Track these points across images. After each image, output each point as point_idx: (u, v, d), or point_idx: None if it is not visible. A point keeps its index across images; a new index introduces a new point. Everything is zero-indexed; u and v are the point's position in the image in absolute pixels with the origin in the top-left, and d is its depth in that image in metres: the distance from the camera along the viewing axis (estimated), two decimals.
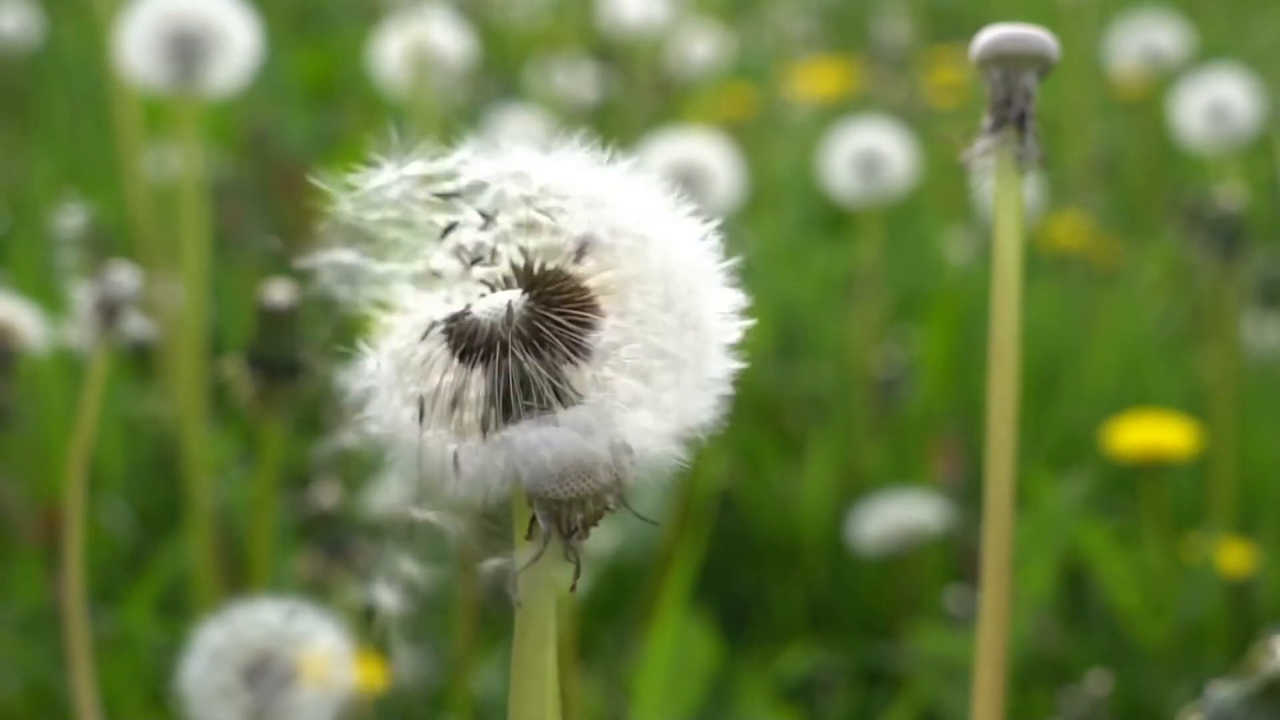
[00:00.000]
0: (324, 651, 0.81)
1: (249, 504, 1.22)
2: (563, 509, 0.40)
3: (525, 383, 0.40)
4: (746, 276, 0.42)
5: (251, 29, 1.22)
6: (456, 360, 0.41)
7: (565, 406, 0.40)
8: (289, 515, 1.22)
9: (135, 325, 0.78)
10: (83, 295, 0.78)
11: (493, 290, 0.41)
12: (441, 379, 0.41)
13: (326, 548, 1.01)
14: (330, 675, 0.81)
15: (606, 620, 1.29)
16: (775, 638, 1.30)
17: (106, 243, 1.52)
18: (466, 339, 0.41)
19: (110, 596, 1.22)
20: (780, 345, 1.62)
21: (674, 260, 0.41)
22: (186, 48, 1.20)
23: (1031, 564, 1.16)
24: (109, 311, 0.78)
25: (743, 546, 1.39)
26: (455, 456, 0.40)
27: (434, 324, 0.41)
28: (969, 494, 1.38)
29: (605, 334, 0.40)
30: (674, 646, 1.08)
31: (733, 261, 0.42)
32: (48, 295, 1.27)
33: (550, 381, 0.40)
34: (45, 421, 1.36)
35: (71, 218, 1.48)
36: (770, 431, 1.50)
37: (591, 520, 0.40)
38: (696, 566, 1.20)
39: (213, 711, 0.80)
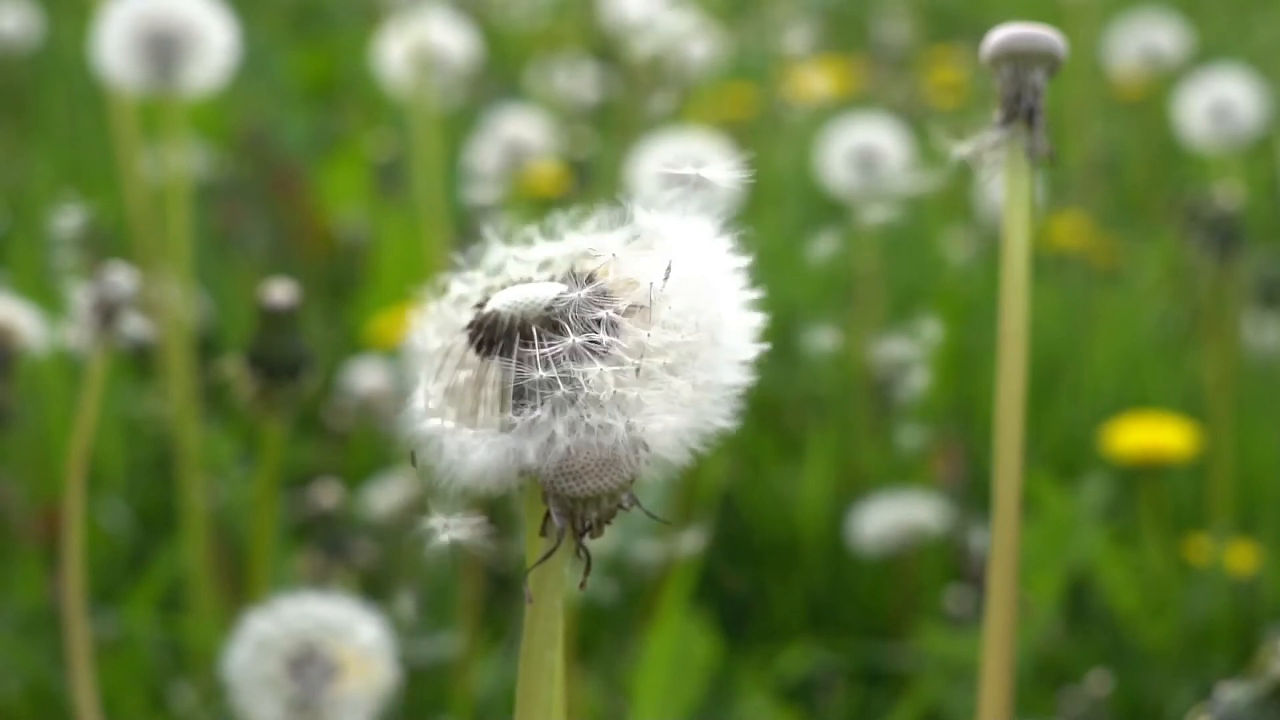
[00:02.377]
0: (366, 646, 0.81)
1: (249, 504, 1.22)
2: (578, 506, 0.40)
3: (544, 377, 0.40)
4: (746, 276, 0.43)
5: (229, 28, 1.22)
6: (476, 352, 0.41)
7: (583, 403, 0.40)
8: (289, 515, 1.22)
9: (133, 326, 0.78)
10: (81, 296, 0.78)
11: (515, 284, 0.42)
12: (462, 371, 0.41)
13: (326, 548, 1.02)
14: (373, 669, 0.81)
15: (606, 620, 1.29)
16: (775, 638, 1.30)
17: (105, 243, 1.52)
18: (487, 331, 0.41)
19: (110, 596, 1.22)
20: (780, 345, 1.62)
21: (697, 270, 0.41)
22: (163, 48, 1.20)
23: (1040, 573, 1.16)
24: (107, 312, 0.78)
25: (743, 546, 1.39)
26: (470, 447, 0.40)
27: (458, 317, 0.42)
28: (969, 494, 1.38)
29: (625, 335, 0.41)
30: (674, 646, 1.08)
31: (744, 269, 0.42)
32: (47, 295, 1.27)
33: (569, 377, 0.40)
34: (45, 421, 1.36)
35: (69, 218, 1.48)
36: (770, 431, 1.50)
37: (605, 518, 0.40)
38: (697, 567, 1.20)
39: (257, 700, 0.80)
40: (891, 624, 1.31)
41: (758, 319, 0.42)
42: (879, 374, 1.49)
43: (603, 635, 1.27)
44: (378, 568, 1.20)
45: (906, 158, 1.62)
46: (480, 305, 0.41)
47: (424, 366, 0.42)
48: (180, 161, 1.22)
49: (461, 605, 1.20)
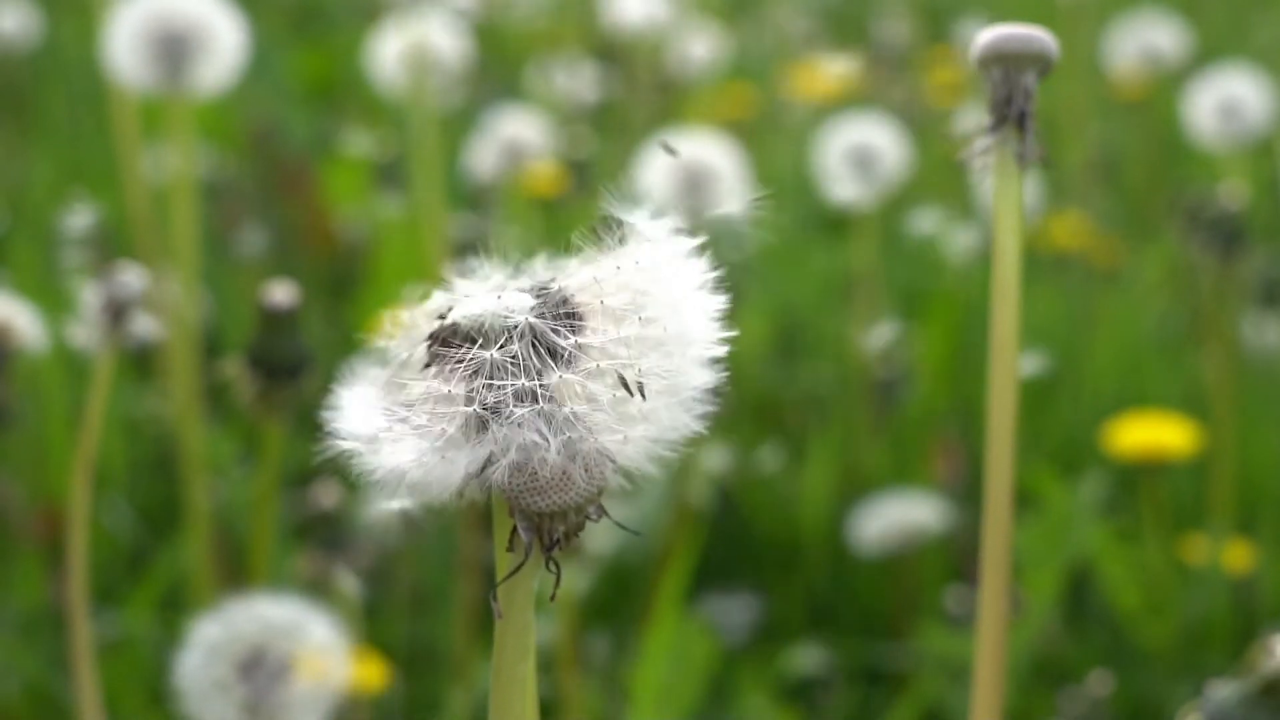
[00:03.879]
0: (318, 645, 0.81)
1: (249, 504, 1.22)
2: (544, 521, 0.39)
3: (502, 390, 0.39)
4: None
5: (239, 28, 1.22)
6: (434, 364, 0.40)
7: (545, 414, 0.39)
8: (289, 515, 1.22)
9: (142, 325, 0.78)
10: (89, 296, 0.78)
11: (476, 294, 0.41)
12: (419, 382, 0.40)
13: (326, 548, 1.02)
14: (325, 669, 0.81)
15: (606, 620, 1.29)
16: (775, 638, 1.30)
17: (106, 243, 1.52)
18: (444, 343, 0.40)
19: (111, 596, 1.22)
20: (780, 345, 1.62)
21: (658, 272, 0.40)
22: (173, 48, 1.20)
23: (1040, 570, 1.16)
24: (116, 312, 0.78)
25: (743, 546, 1.39)
26: (425, 460, 0.39)
27: (418, 326, 0.41)
28: (969, 494, 1.38)
29: (586, 347, 0.40)
30: (673, 645, 1.08)
31: (719, 272, 0.41)
32: (48, 295, 1.27)
33: (531, 388, 0.39)
34: (46, 421, 1.36)
35: (78, 218, 1.48)
36: (770, 431, 1.50)
37: (573, 532, 0.39)
38: (694, 566, 1.20)
39: (208, 705, 0.80)
40: (891, 624, 1.31)
41: (727, 334, 0.41)
42: (879, 374, 1.49)
43: (603, 634, 1.27)
44: (378, 567, 1.20)
45: (902, 156, 1.62)
46: (442, 317, 0.41)
47: (380, 377, 0.42)
48: (187, 161, 1.22)
49: (460, 605, 1.20)
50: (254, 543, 0.99)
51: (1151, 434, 1.28)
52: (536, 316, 0.40)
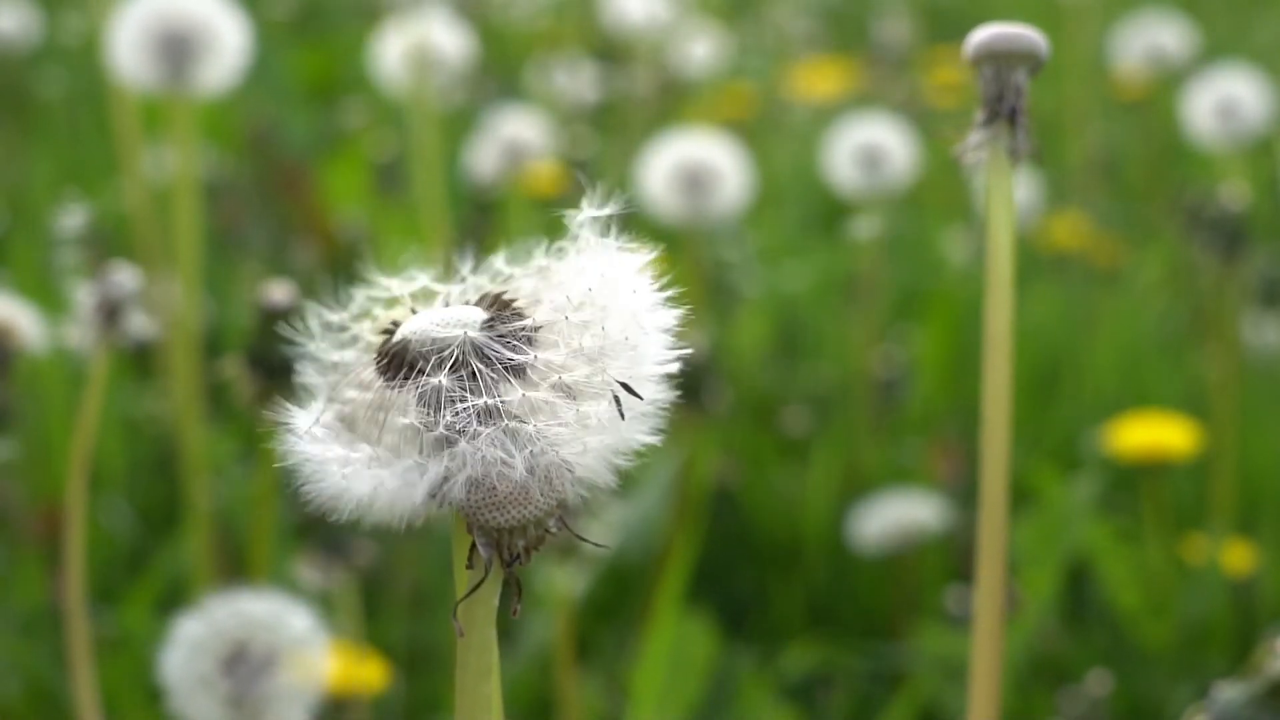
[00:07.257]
0: (300, 639, 0.81)
1: (249, 504, 1.22)
2: (503, 535, 0.39)
3: (453, 406, 0.39)
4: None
5: (242, 28, 1.22)
6: (383, 378, 0.40)
7: (509, 431, 0.39)
8: (289, 515, 1.22)
9: (136, 325, 0.78)
10: (84, 296, 0.78)
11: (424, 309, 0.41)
12: (363, 394, 0.40)
13: (326, 548, 1.02)
14: (308, 663, 0.81)
15: (606, 620, 1.29)
16: (775, 637, 1.30)
17: (105, 242, 1.52)
18: (395, 358, 0.40)
19: (110, 596, 1.22)
20: (780, 345, 1.62)
21: (611, 286, 0.40)
22: (177, 47, 1.20)
23: (1038, 567, 1.16)
24: (110, 312, 0.78)
25: (743, 546, 1.39)
26: (373, 475, 0.39)
27: (366, 343, 0.41)
28: (969, 494, 1.38)
29: (541, 356, 0.40)
30: (672, 645, 1.08)
31: (672, 290, 0.41)
32: (47, 295, 1.27)
33: (491, 406, 0.39)
34: (45, 421, 1.36)
35: (71, 218, 1.48)
36: (770, 431, 1.50)
37: (533, 545, 0.39)
38: (692, 565, 1.20)
39: (194, 701, 0.81)
40: (892, 624, 1.31)
41: (673, 319, 0.41)
42: (879, 374, 1.49)
43: (602, 634, 1.27)
44: (378, 567, 1.20)
45: (910, 156, 1.62)
46: (390, 331, 0.40)
47: (316, 387, 0.41)
48: (188, 161, 1.22)
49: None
50: (254, 543, 0.99)
51: (1152, 434, 1.28)
52: (488, 331, 0.40)
